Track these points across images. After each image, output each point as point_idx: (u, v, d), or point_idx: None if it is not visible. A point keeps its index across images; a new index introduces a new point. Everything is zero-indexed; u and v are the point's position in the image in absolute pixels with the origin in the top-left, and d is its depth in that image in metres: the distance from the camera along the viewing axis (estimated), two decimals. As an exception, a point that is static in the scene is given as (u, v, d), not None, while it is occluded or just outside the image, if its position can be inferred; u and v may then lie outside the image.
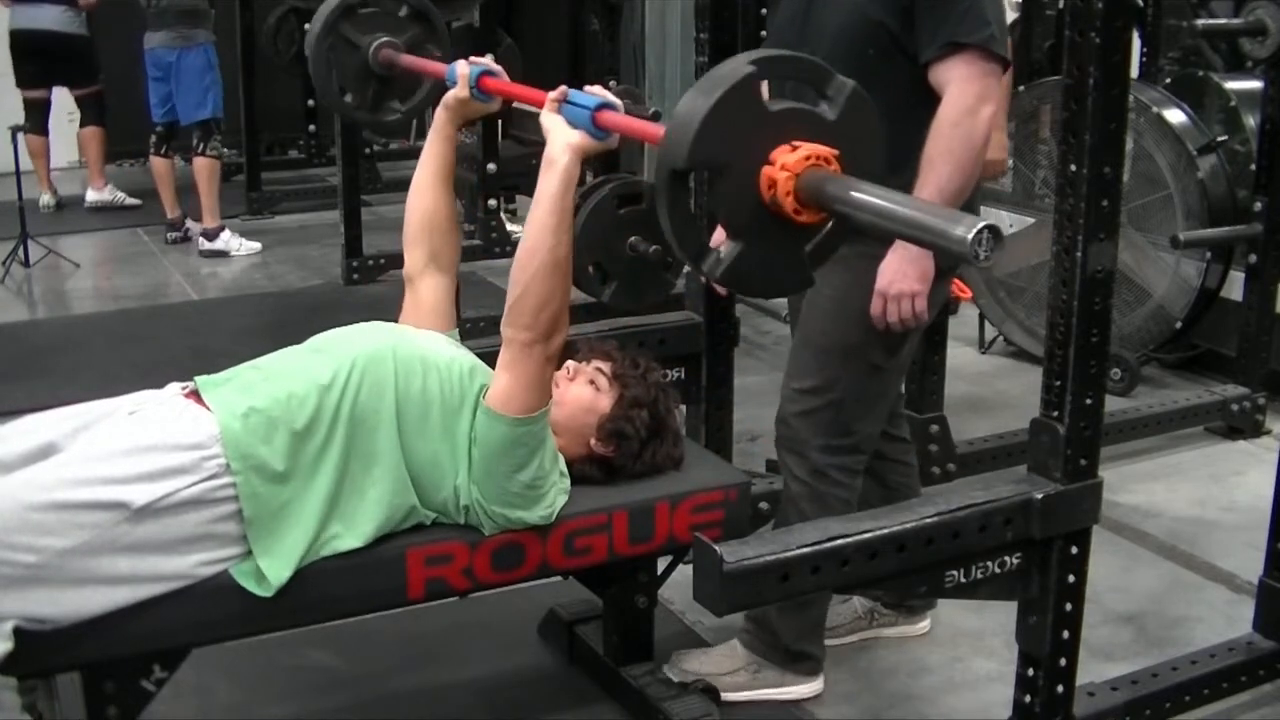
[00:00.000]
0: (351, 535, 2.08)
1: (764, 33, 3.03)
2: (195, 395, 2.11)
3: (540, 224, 2.09)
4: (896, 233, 1.57)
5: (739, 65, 1.60)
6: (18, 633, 1.86)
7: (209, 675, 2.54)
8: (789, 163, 1.57)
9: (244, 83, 6.81)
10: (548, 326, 2.09)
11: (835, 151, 1.60)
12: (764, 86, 1.64)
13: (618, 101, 2.10)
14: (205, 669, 2.42)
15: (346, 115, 2.82)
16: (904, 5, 2.29)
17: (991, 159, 2.81)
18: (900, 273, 2.32)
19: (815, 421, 2.43)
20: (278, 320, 4.90)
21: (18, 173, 5.85)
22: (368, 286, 5.61)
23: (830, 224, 1.66)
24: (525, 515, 2.16)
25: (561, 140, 2.10)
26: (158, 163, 6.29)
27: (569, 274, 2.14)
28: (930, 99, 2.30)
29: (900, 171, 2.27)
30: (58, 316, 5.37)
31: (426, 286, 2.47)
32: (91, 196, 7.11)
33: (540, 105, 2.16)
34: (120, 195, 7.17)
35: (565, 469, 2.26)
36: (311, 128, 6.76)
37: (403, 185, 7.94)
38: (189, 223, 6.41)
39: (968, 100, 2.26)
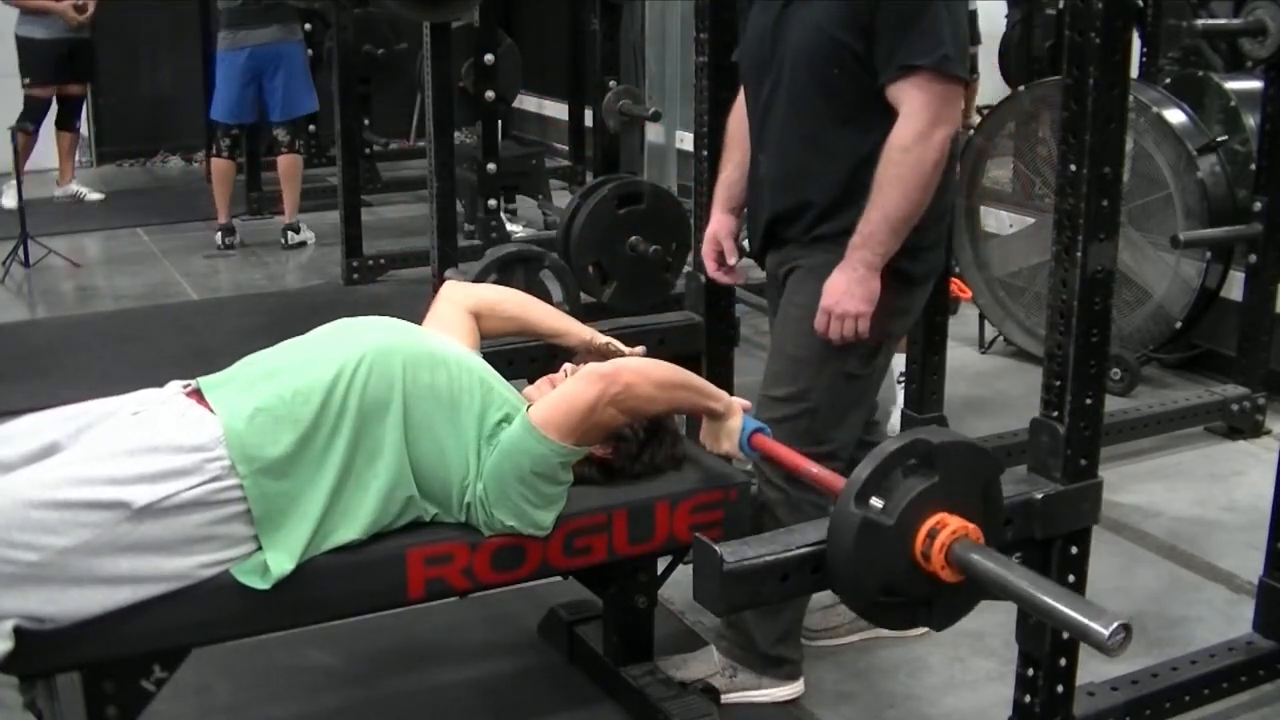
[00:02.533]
0: (351, 526, 2.09)
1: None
2: (197, 394, 2.11)
3: (688, 380, 2.29)
4: (1038, 614, 1.76)
5: (998, 461, 1.88)
6: (18, 632, 1.86)
7: (209, 675, 2.54)
8: (970, 527, 1.78)
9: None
10: (626, 384, 2.15)
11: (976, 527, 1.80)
12: None
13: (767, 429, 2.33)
14: (205, 669, 2.42)
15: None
16: (863, 25, 2.28)
17: None
18: (847, 293, 2.33)
19: (790, 429, 2.43)
20: (278, 320, 4.91)
21: (18, 173, 5.85)
22: (368, 286, 5.62)
23: (936, 590, 1.83)
24: (521, 526, 2.17)
25: (732, 400, 2.32)
26: (223, 165, 6.21)
27: (659, 407, 2.25)
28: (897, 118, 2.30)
29: (868, 193, 2.29)
30: (58, 316, 5.37)
31: (465, 320, 2.51)
32: (58, 192, 7.21)
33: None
34: (84, 190, 7.25)
35: (566, 494, 2.25)
36: (311, 128, 6.78)
37: (403, 185, 8.01)
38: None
39: (919, 125, 2.25)
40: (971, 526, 1.78)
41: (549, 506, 2.18)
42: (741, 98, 2.62)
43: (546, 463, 2.13)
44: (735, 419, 2.29)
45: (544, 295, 3.09)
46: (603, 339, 2.61)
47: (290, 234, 6.29)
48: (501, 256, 3.24)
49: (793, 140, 2.42)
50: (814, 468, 2.17)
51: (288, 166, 6.17)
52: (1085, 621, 1.62)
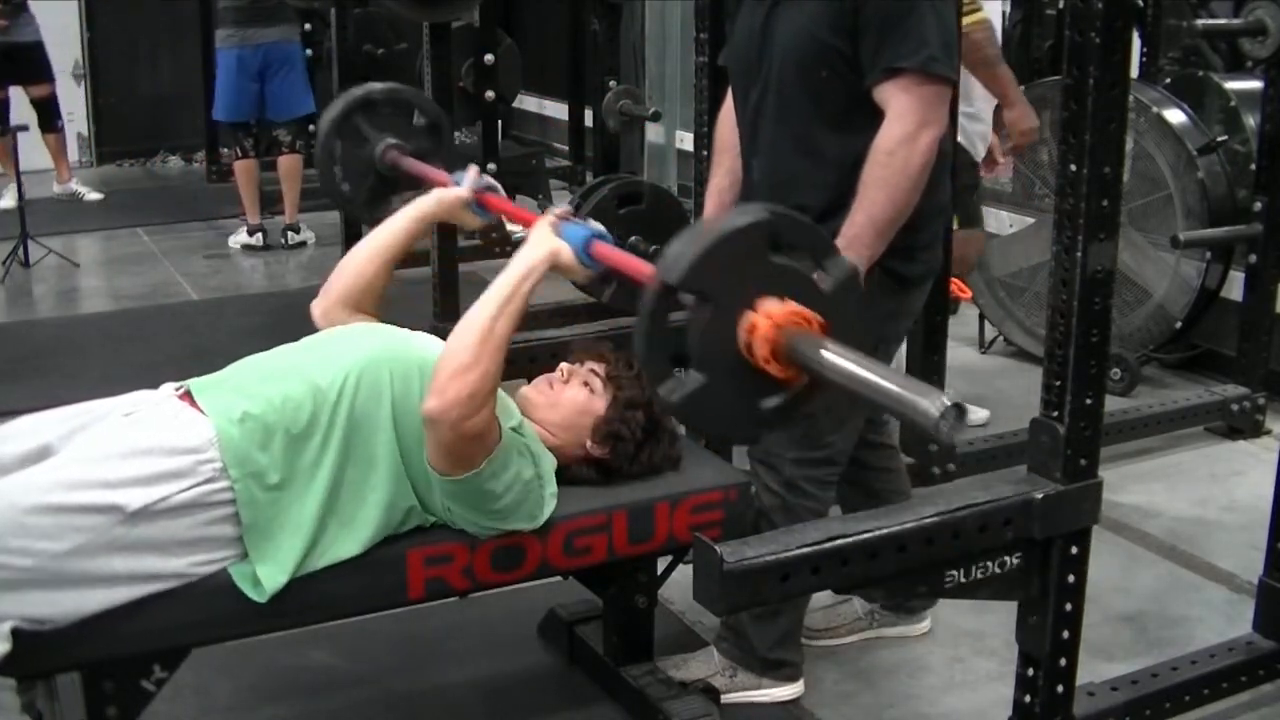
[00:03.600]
0: (351, 540, 2.08)
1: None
2: (189, 397, 2.10)
3: (487, 300, 2.07)
4: (866, 399, 1.57)
5: (760, 211, 1.64)
6: (17, 633, 1.86)
7: (209, 675, 2.54)
8: (775, 313, 1.59)
9: (244, 83, 6.80)
10: (454, 399, 1.97)
11: (822, 320, 1.62)
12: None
13: (607, 234, 2.16)
14: (205, 669, 2.42)
15: (340, 205, 2.83)
16: (849, 27, 2.26)
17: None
18: None
19: (788, 433, 2.43)
20: (278, 320, 4.90)
21: (18, 173, 5.85)
22: (367, 286, 5.61)
23: (796, 389, 1.66)
24: (505, 525, 2.15)
25: (546, 243, 2.12)
26: (249, 165, 6.17)
27: (496, 364, 2.02)
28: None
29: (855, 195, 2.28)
30: (58, 316, 5.37)
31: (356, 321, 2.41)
32: (57, 189, 7.19)
33: (529, 226, 2.21)
34: (83, 189, 7.22)
35: (552, 477, 2.23)
36: (311, 128, 6.78)
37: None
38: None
39: (906, 127, 2.24)
40: (781, 313, 1.60)
41: (522, 504, 2.14)
42: (729, 102, 2.61)
43: (477, 491, 2.08)
44: (561, 254, 2.12)
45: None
46: (454, 191, 2.50)
47: (290, 234, 6.29)
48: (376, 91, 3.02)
49: (784, 144, 2.41)
50: (646, 266, 1.95)
51: (289, 166, 6.16)
52: (913, 399, 1.49)
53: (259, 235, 6.27)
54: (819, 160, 2.35)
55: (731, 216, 1.67)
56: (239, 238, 6.33)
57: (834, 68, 2.30)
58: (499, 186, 2.54)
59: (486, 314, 2.05)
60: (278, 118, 6.09)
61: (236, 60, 5.96)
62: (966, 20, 3.25)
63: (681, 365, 1.63)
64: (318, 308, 2.43)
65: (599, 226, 2.17)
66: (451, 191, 2.52)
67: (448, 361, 2.01)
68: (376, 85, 2.99)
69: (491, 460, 2.06)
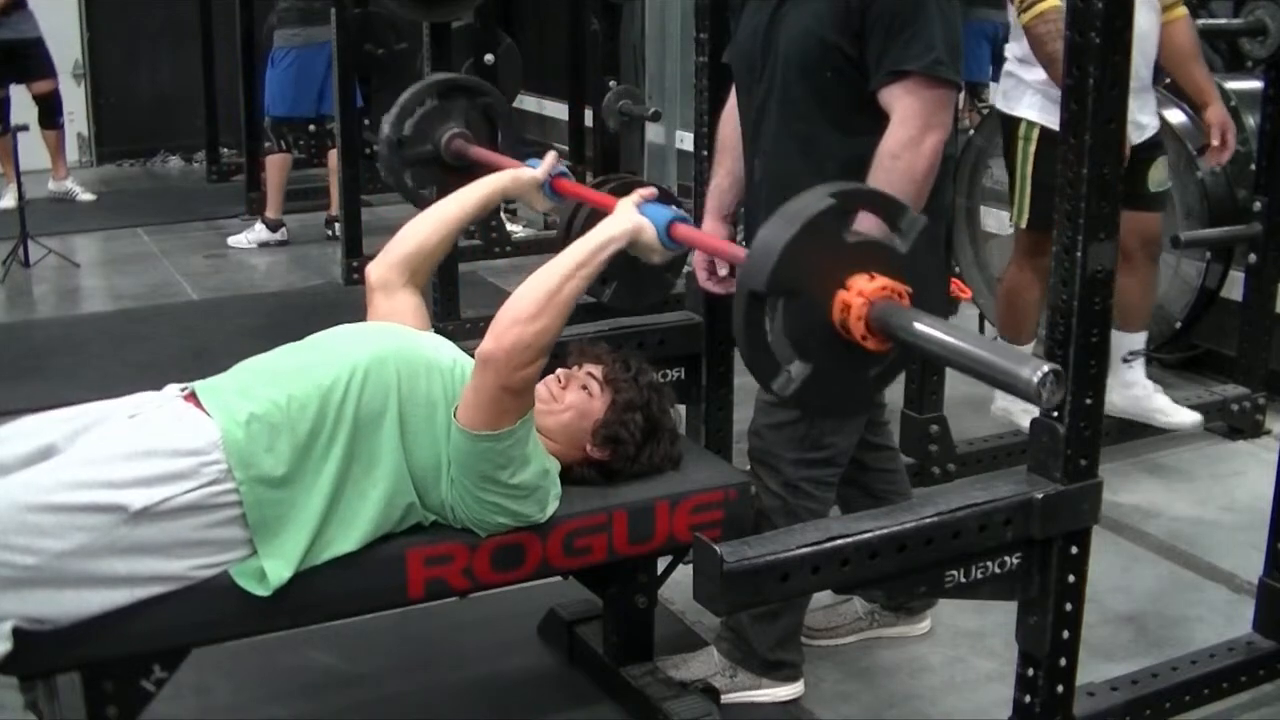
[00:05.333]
0: (350, 535, 2.08)
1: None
2: (194, 398, 2.11)
3: (561, 259, 2.12)
4: (962, 367, 1.66)
5: (820, 197, 1.70)
6: (17, 633, 1.86)
7: (209, 675, 2.54)
8: (865, 289, 1.67)
9: (244, 83, 6.81)
10: (511, 345, 2.01)
11: (907, 288, 1.70)
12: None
13: (688, 217, 2.21)
14: (205, 669, 2.42)
15: (406, 196, 2.90)
16: (856, 29, 2.26)
17: None
18: None
19: (788, 434, 2.42)
20: (278, 320, 4.91)
21: (18, 172, 5.85)
22: (368, 286, 5.61)
23: (894, 353, 1.74)
24: (512, 521, 2.15)
25: (630, 218, 2.17)
26: (284, 160, 6.19)
27: (557, 322, 2.07)
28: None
29: None
30: (58, 316, 5.37)
31: (405, 296, 2.43)
32: (52, 186, 7.20)
33: (609, 209, 2.25)
34: (76, 188, 7.21)
35: (557, 478, 2.23)
36: (311, 128, 6.79)
37: (403, 185, 7.71)
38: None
39: (910, 131, 2.24)
40: (869, 287, 1.67)
41: (529, 495, 2.15)
42: (732, 101, 2.61)
43: (498, 455, 2.08)
44: (644, 232, 2.18)
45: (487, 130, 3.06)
46: (526, 174, 2.53)
47: (337, 226, 6.26)
48: (437, 82, 3.11)
49: (787, 144, 2.41)
50: (737, 249, 2.07)
51: (334, 160, 6.16)
52: (1012, 367, 1.57)
53: (283, 230, 6.28)
54: (822, 161, 2.35)
55: (797, 210, 1.70)
56: (256, 235, 6.30)
57: (838, 69, 2.30)
58: (568, 173, 2.58)
59: (559, 272, 2.08)
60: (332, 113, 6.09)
61: (303, 59, 5.99)
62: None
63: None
64: (374, 269, 2.46)
65: (680, 211, 2.19)
66: (527, 171, 2.57)
67: (511, 308, 2.05)
68: (437, 76, 3.09)
69: (524, 423, 2.08)
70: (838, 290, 1.69)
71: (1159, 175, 3.51)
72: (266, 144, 6.30)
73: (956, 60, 2.27)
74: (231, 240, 6.35)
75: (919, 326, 1.65)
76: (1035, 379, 1.53)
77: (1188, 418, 3.59)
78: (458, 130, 2.97)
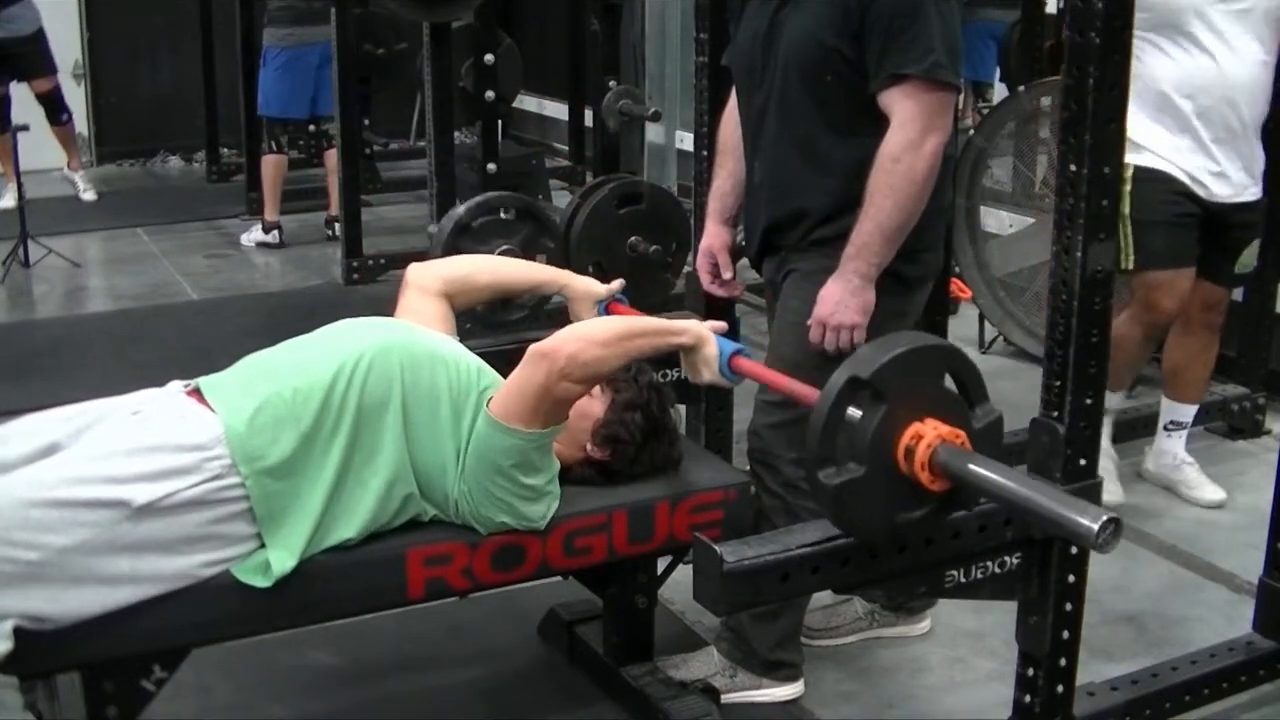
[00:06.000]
0: (350, 524, 2.08)
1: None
2: (197, 394, 2.11)
3: (636, 320, 2.23)
4: (1023, 512, 1.73)
5: (944, 341, 1.86)
6: (18, 632, 1.86)
7: (209, 675, 2.55)
8: (940, 429, 1.75)
9: (244, 83, 6.81)
10: (571, 353, 2.08)
11: (973, 451, 1.79)
12: None
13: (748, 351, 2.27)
14: (205, 669, 2.42)
15: (480, 324, 2.98)
16: (855, 32, 2.26)
17: None
18: (842, 304, 2.32)
19: (787, 434, 2.42)
20: (278, 320, 4.90)
21: (17, 172, 5.85)
22: (368, 286, 5.62)
23: (935, 502, 1.80)
24: (514, 521, 2.16)
25: (700, 329, 2.23)
26: (280, 161, 6.17)
27: (615, 361, 2.15)
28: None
29: (863, 199, 2.29)
30: (58, 316, 5.37)
31: (439, 303, 2.47)
32: (65, 173, 7.21)
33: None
34: (82, 184, 7.20)
35: (558, 484, 2.24)
36: (311, 128, 6.80)
37: (403, 185, 7.99)
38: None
39: (910, 134, 2.24)
40: (945, 429, 1.75)
41: (538, 499, 2.17)
42: (732, 103, 2.61)
43: (519, 453, 2.11)
44: (709, 346, 2.22)
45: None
46: (581, 284, 2.57)
47: (337, 226, 6.25)
48: (521, 201, 3.25)
49: (787, 147, 2.41)
50: (796, 385, 2.11)
51: (337, 160, 6.15)
52: (1072, 517, 1.61)
53: (275, 233, 6.27)
54: (822, 164, 2.35)
55: (919, 336, 1.84)
56: (254, 235, 6.31)
57: (838, 72, 2.30)
58: (626, 299, 2.62)
59: (633, 327, 2.19)
60: (329, 114, 6.08)
61: (295, 58, 5.95)
62: None
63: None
64: (417, 268, 2.52)
65: (744, 346, 2.27)
66: (595, 283, 2.59)
67: (585, 328, 2.19)
68: (525, 200, 3.24)
69: (551, 431, 2.13)
70: (915, 420, 1.75)
71: (1248, 259, 3.41)
72: (263, 145, 6.28)
73: (956, 62, 2.27)
74: (244, 238, 6.36)
75: (983, 470, 1.72)
76: (1095, 528, 1.57)
77: (1212, 495, 3.53)
78: (510, 246, 3.09)
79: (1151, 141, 3.17)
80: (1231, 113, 3.15)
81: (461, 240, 3.06)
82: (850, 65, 2.29)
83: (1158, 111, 3.15)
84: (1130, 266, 3.23)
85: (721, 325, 2.31)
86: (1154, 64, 3.12)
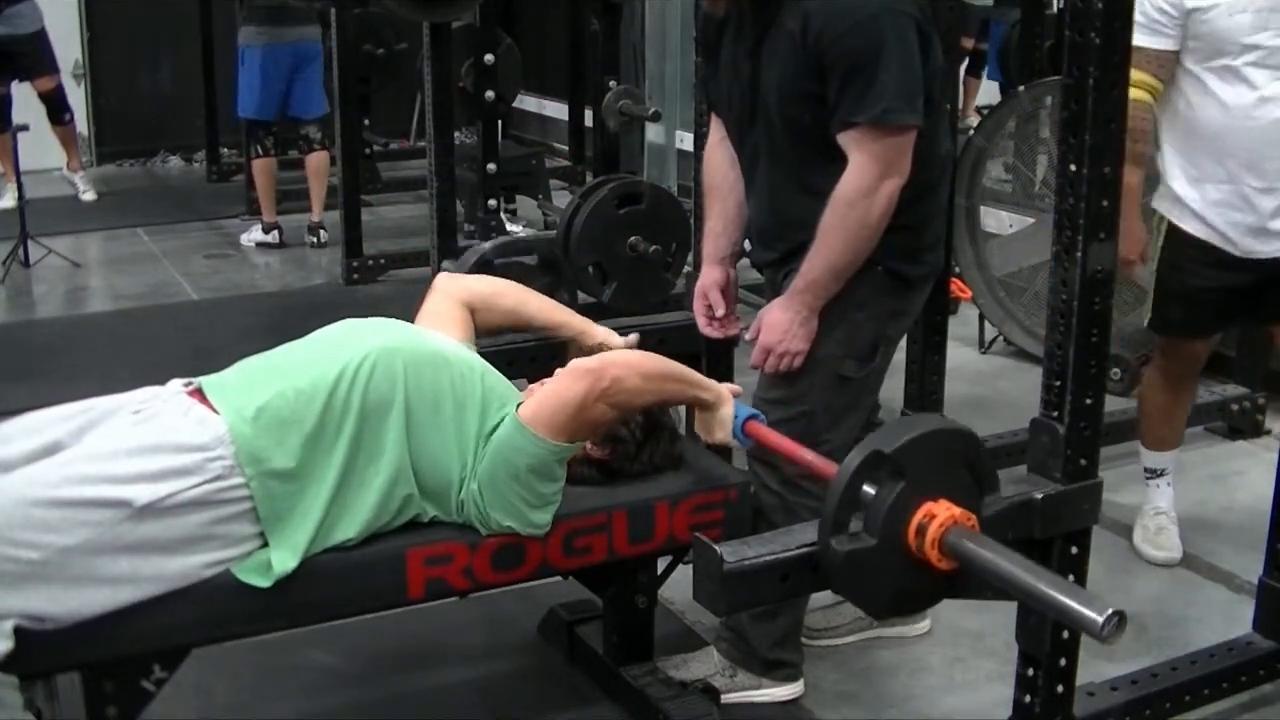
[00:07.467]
0: (351, 524, 2.09)
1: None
2: (199, 394, 2.11)
3: (674, 366, 2.27)
4: (1030, 601, 1.75)
5: (968, 430, 1.88)
6: (18, 632, 1.86)
7: (209, 675, 2.54)
8: (955, 511, 1.78)
9: (244, 83, 6.81)
10: (615, 376, 2.14)
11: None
12: None
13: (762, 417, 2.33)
14: (205, 669, 2.42)
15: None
16: (817, 73, 2.25)
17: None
18: (790, 333, 2.36)
19: (786, 432, 2.42)
20: (278, 320, 4.91)
21: (17, 172, 5.85)
22: (368, 286, 5.62)
23: (940, 582, 1.83)
24: (519, 526, 2.17)
25: (721, 390, 2.31)
26: (268, 163, 6.15)
27: (648, 396, 2.22)
28: None
29: None
30: (58, 316, 5.37)
31: (461, 309, 2.51)
32: (65, 173, 7.23)
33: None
34: (82, 185, 7.22)
35: (562, 492, 2.25)
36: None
37: (403, 185, 7.99)
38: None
39: (865, 180, 2.25)
40: (958, 511, 1.78)
41: (545, 506, 2.18)
42: (714, 139, 2.62)
43: (540, 461, 2.13)
44: (726, 407, 2.29)
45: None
46: (599, 333, 2.62)
47: (322, 233, 6.26)
48: (548, 245, 3.30)
49: (784, 184, 2.42)
50: (809, 454, 2.17)
51: (318, 164, 6.16)
52: (1078, 609, 1.64)
53: (275, 233, 6.27)
54: (821, 197, 2.34)
55: (944, 421, 1.91)
56: (254, 235, 6.31)
57: (815, 114, 2.30)
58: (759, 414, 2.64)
59: (674, 371, 2.26)
60: (304, 115, 6.09)
61: (268, 58, 5.92)
62: None
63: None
64: (446, 277, 2.62)
65: (759, 412, 2.34)
66: (614, 335, 2.65)
67: (632, 357, 2.28)
68: (550, 243, 3.29)
69: (573, 448, 2.19)
70: (929, 499, 1.78)
71: None
72: (249, 149, 6.26)
73: (912, 100, 2.25)
74: (244, 238, 6.35)
75: (992, 556, 1.73)
76: (1101, 620, 1.62)
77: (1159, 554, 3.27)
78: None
79: (1192, 196, 2.93)
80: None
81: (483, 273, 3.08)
82: (823, 103, 2.28)
83: (1202, 159, 2.90)
84: (1144, 324, 3.15)
85: (739, 389, 2.37)
86: (1201, 104, 2.86)
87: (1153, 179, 3.05)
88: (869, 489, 1.78)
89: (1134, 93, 2.75)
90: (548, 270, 3.19)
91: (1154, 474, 3.33)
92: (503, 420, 2.17)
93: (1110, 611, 1.61)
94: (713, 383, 2.33)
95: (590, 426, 2.18)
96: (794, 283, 2.36)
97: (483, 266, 3.07)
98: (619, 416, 2.25)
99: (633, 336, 2.64)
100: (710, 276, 2.63)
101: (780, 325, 2.37)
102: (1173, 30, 2.84)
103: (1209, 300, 3.01)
